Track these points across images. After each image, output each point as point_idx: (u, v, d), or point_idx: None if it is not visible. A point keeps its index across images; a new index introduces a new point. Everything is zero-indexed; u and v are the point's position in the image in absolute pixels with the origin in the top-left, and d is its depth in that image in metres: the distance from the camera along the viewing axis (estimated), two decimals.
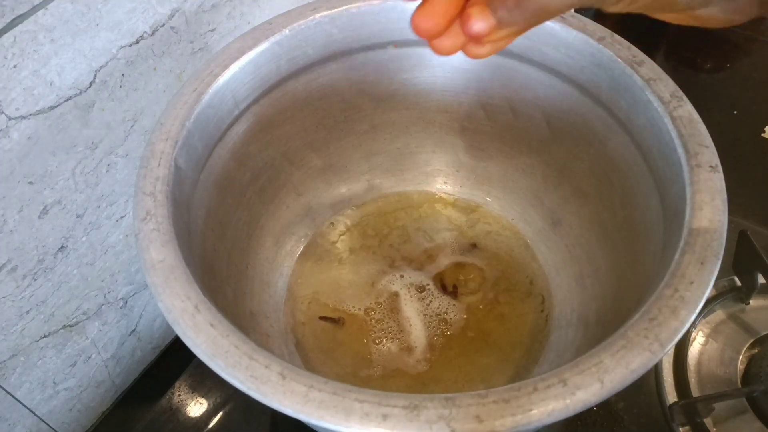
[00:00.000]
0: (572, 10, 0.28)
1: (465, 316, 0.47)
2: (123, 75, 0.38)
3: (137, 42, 0.37)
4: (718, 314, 0.50)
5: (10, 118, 0.32)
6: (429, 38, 0.23)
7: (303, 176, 0.49)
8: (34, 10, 0.31)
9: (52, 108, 0.34)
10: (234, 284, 0.41)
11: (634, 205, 0.39)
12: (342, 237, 0.51)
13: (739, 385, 0.45)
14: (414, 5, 0.22)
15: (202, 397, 0.49)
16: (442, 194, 0.54)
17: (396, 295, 0.48)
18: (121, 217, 0.43)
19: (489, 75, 0.45)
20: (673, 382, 0.46)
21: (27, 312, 0.38)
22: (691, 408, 0.44)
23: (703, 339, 0.48)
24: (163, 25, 0.39)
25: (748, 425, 0.44)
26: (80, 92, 0.35)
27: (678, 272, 0.28)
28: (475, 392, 0.25)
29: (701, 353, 0.47)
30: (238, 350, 0.26)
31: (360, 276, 0.49)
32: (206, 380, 0.49)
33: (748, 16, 0.24)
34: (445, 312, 0.47)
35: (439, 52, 0.23)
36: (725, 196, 0.31)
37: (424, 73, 0.46)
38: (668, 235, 0.33)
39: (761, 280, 0.48)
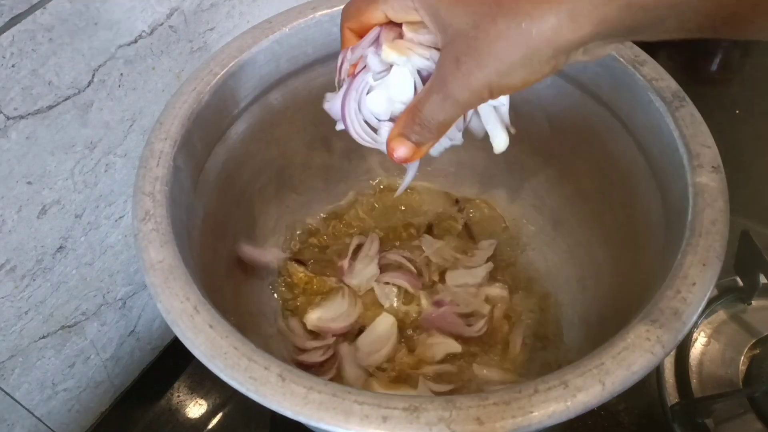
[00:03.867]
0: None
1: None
2: (121, 74, 0.37)
3: (136, 41, 0.37)
4: (720, 315, 0.49)
5: (8, 118, 0.32)
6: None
7: (303, 176, 0.49)
8: (33, 9, 0.31)
9: (50, 107, 0.34)
10: (233, 285, 0.41)
11: (635, 206, 0.39)
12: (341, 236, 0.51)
13: (741, 386, 0.45)
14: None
15: (201, 398, 0.48)
16: (443, 193, 0.53)
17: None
18: (120, 217, 0.43)
19: None
20: (674, 383, 0.46)
21: (26, 312, 0.38)
22: (692, 409, 0.44)
23: (705, 339, 0.48)
24: (162, 25, 0.39)
25: (750, 426, 0.43)
26: (79, 92, 0.35)
27: (680, 273, 0.28)
28: (476, 394, 0.25)
29: (703, 354, 0.47)
30: (237, 351, 0.26)
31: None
32: (205, 381, 0.49)
33: None
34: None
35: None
36: (727, 197, 0.31)
37: None
38: (670, 236, 0.32)
39: (763, 280, 0.48)
